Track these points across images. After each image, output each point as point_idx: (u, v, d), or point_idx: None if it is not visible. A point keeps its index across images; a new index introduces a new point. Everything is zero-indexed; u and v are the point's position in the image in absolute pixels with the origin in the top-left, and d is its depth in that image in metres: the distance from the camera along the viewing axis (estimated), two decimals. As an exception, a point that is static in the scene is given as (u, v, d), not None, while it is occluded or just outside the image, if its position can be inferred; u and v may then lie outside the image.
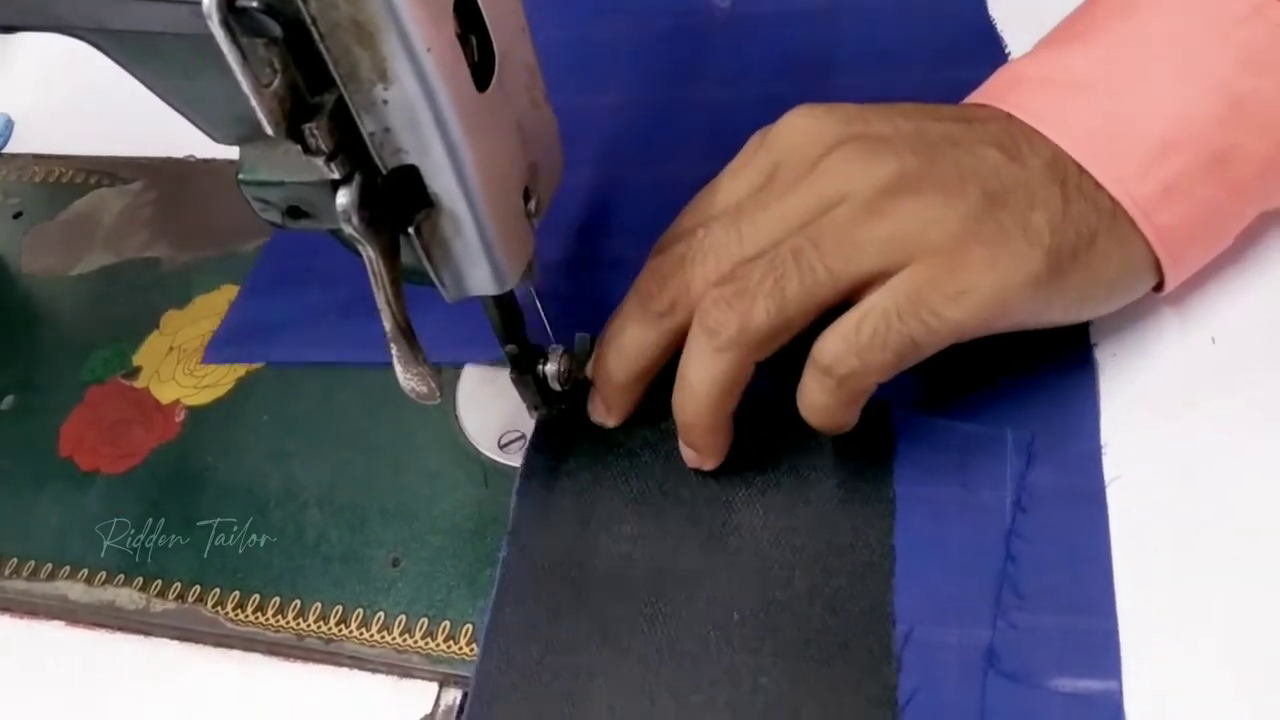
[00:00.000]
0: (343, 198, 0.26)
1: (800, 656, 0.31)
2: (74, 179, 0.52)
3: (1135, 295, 0.34)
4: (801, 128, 0.33)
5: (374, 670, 0.34)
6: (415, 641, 0.34)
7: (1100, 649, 0.30)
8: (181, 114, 0.28)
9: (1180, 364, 0.34)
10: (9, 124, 0.55)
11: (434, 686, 0.34)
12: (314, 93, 0.24)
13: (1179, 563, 0.31)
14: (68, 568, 0.38)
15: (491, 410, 0.39)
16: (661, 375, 0.34)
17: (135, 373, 0.43)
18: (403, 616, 0.35)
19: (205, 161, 0.50)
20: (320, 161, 0.25)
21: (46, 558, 0.39)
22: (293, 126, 0.24)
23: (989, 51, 0.44)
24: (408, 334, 0.28)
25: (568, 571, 0.34)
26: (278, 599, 0.36)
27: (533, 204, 0.30)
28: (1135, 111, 0.32)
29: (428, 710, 0.33)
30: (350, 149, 0.25)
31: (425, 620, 0.34)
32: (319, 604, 0.35)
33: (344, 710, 0.34)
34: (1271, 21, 0.31)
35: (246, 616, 0.36)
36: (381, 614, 0.35)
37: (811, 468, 0.34)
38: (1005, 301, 0.30)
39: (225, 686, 0.35)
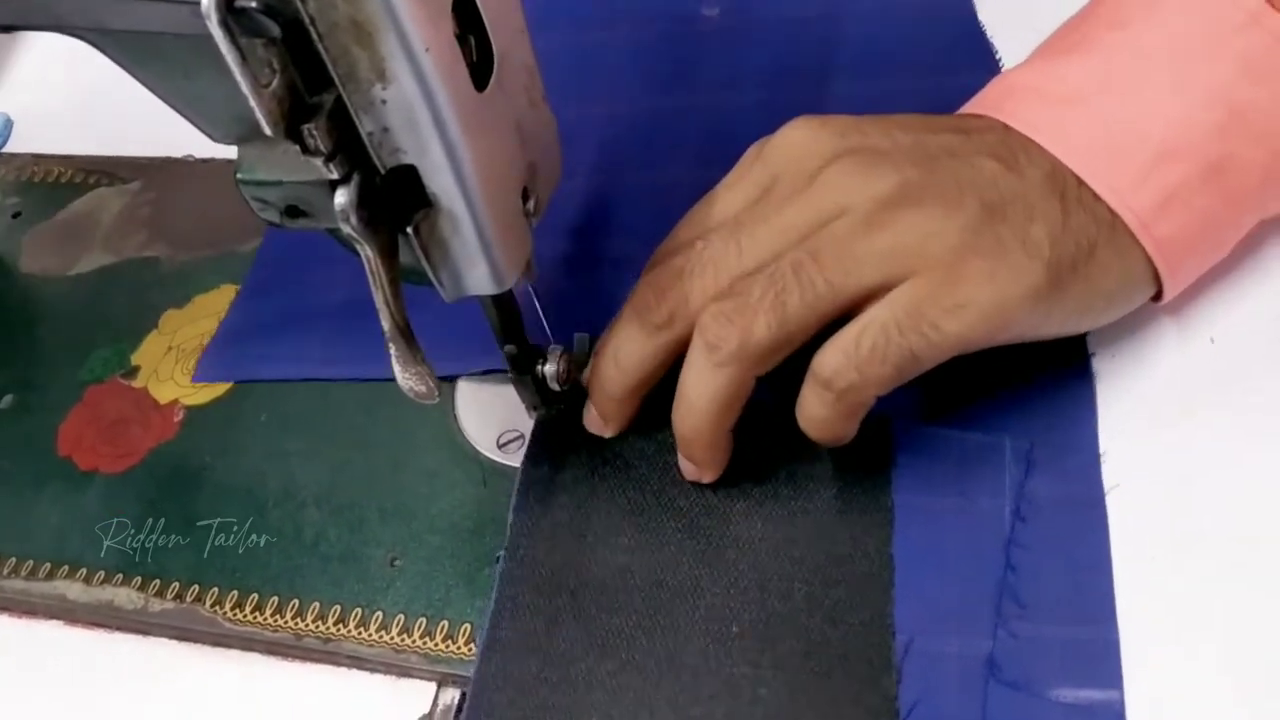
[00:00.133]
0: (341, 197, 0.26)
1: (800, 668, 0.31)
2: (73, 179, 0.52)
3: (1134, 305, 0.34)
4: (799, 140, 0.33)
5: (372, 670, 0.34)
6: (413, 641, 0.34)
7: (1101, 658, 0.29)
8: (180, 114, 0.28)
9: (1178, 372, 0.34)
10: (8, 124, 0.55)
11: (432, 686, 0.34)
12: (312, 93, 0.24)
13: (1179, 571, 0.31)
14: (66, 567, 0.38)
15: (490, 410, 0.39)
16: (660, 387, 0.34)
17: (134, 372, 0.43)
18: (401, 616, 0.35)
19: (204, 161, 0.50)
20: (319, 161, 0.25)
21: (45, 557, 0.39)
22: (291, 126, 0.24)
23: (979, 58, 0.44)
24: (406, 334, 0.28)
25: (565, 583, 0.33)
26: (276, 598, 0.36)
27: (531, 204, 0.30)
28: (1132, 122, 0.31)
29: (426, 710, 0.33)
30: (349, 149, 0.25)
31: (423, 620, 0.34)
32: (317, 603, 0.35)
33: (342, 710, 0.34)
34: (1269, 30, 0.31)
35: (245, 616, 0.36)
36: (380, 613, 0.35)
37: (810, 478, 0.34)
38: (1005, 314, 0.30)
39: (224, 686, 0.35)
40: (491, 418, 0.38)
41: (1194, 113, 0.31)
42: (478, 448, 0.38)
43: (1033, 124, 0.32)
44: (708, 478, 0.34)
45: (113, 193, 0.51)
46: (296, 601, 0.36)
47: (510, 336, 0.33)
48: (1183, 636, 0.30)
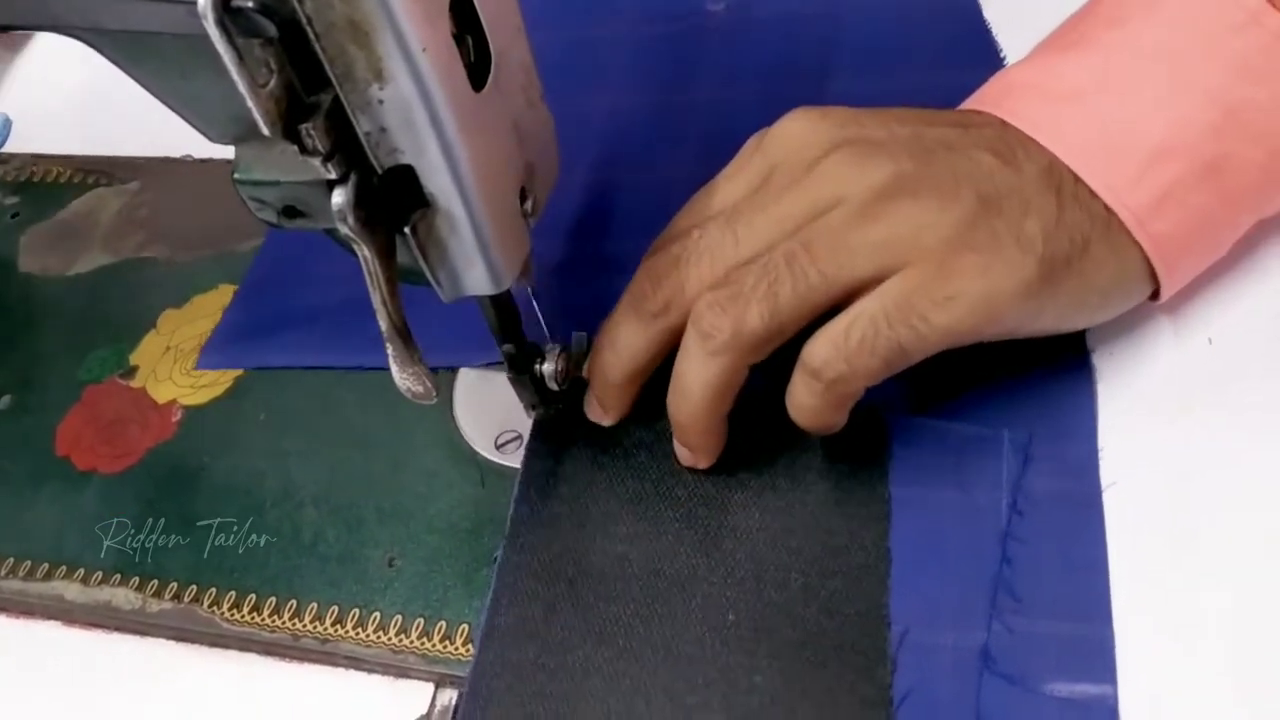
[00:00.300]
0: (338, 197, 0.26)
1: (795, 657, 0.31)
2: (71, 179, 0.52)
3: (1131, 304, 0.34)
4: (798, 131, 0.33)
5: (370, 670, 0.34)
6: (411, 641, 0.34)
7: (1096, 654, 0.30)
8: (178, 114, 0.28)
9: (1177, 368, 0.34)
10: (7, 123, 0.55)
11: (430, 687, 0.34)
12: (310, 92, 0.24)
13: (1175, 567, 0.31)
14: (64, 567, 0.38)
15: (488, 410, 0.39)
16: (660, 376, 0.34)
17: (132, 372, 0.43)
18: (399, 616, 0.35)
19: (203, 162, 0.50)
20: (316, 161, 0.25)
21: (43, 557, 0.39)
22: (289, 126, 0.24)
23: (984, 55, 0.44)
24: (404, 334, 0.28)
25: (564, 572, 0.34)
26: (274, 599, 0.36)
27: (529, 204, 0.30)
28: (1129, 120, 0.32)
29: (423, 710, 0.33)
30: (346, 149, 0.25)
31: (421, 620, 0.34)
32: (315, 604, 0.35)
33: (340, 710, 0.34)
34: (1268, 29, 0.31)
35: (243, 616, 0.36)
36: (378, 614, 0.35)
37: (807, 470, 0.34)
38: (995, 308, 0.30)
39: (222, 686, 0.35)
40: (490, 418, 0.38)
41: (1191, 112, 0.31)
42: (476, 448, 0.38)
43: (1031, 121, 0.32)
44: (703, 464, 0.34)
45: (111, 193, 0.51)
46: (294, 602, 0.36)
47: (508, 336, 0.33)
48: (1178, 633, 0.30)
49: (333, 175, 0.25)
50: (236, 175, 0.27)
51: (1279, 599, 0.30)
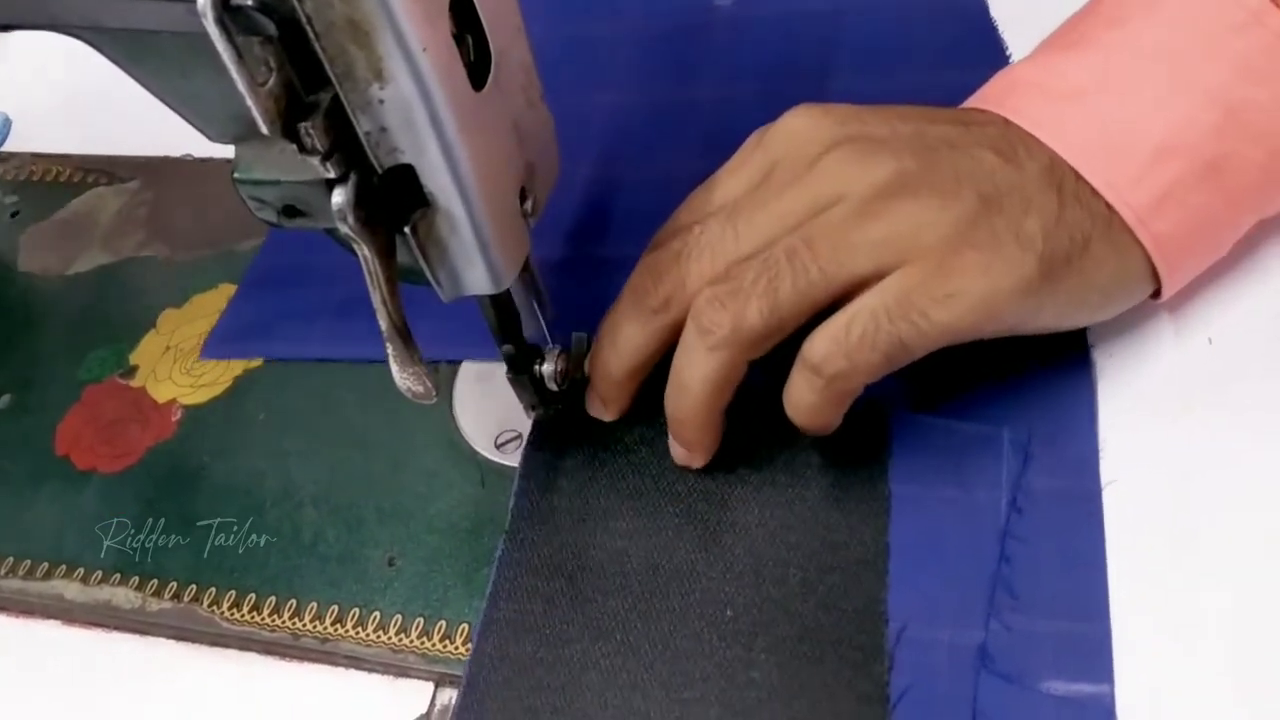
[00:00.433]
0: (338, 197, 0.26)
1: (793, 653, 0.31)
2: (71, 178, 0.52)
3: (1132, 302, 0.34)
4: (799, 128, 0.33)
5: (370, 670, 0.34)
6: (411, 641, 0.34)
7: (1093, 652, 0.30)
8: (177, 112, 0.28)
9: (1177, 367, 0.34)
10: (7, 123, 0.55)
11: (430, 686, 0.34)
12: (309, 91, 0.24)
13: (1174, 566, 0.31)
14: (64, 567, 0.38)
15: (488, 410, 0.39)
16: (660, 372, 0.34)
17: (132, 372, 0.43)
18: (399, 616, 0.35)
19: (202, 161, 0.50)
20: (316, 160, 0.25)
21: (43, 557, 0.39)
22: (288, 125, 0.24)
23: (990, 53, 0.44)
24: (404, 333, 0.28)
25: (563, 566, 0.34)
26: (274, 598, 0.36)
27: (529, 203, 0.30)
28: (1130, 119, 0.32)
29: (423, 710, 0.33)
30: (346, 148, 0.25)
31: (421, 620, 0.34)
32: (315, 603, 0.35)
33: (340, 709, 0.34)
34: (1270, 29, 0.31)
35: (243, 616, 0.36)
36: (378, 613, 0.35)
37: (807, 466, 0.34)
38: (995, 306, 0.30)
39: (222, 686, 0.35)
40: (489, 418, 0.38)
41: (1193, 111, 0.31)
42: (476, 448, 0.38)
43: (1033, 119, 0.32)
44: (697, 462, 0.34)
45: (111, 192, 0.51)
46: (294, 601, 0.36)
47: (508, 336, 0.33)
48: (1176, 632, 0.30)
49: (332, 174, 0.25)
50: (236, 174, 0.27)
51: (1279, 599, 0.30)
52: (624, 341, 0.33)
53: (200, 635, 0.36)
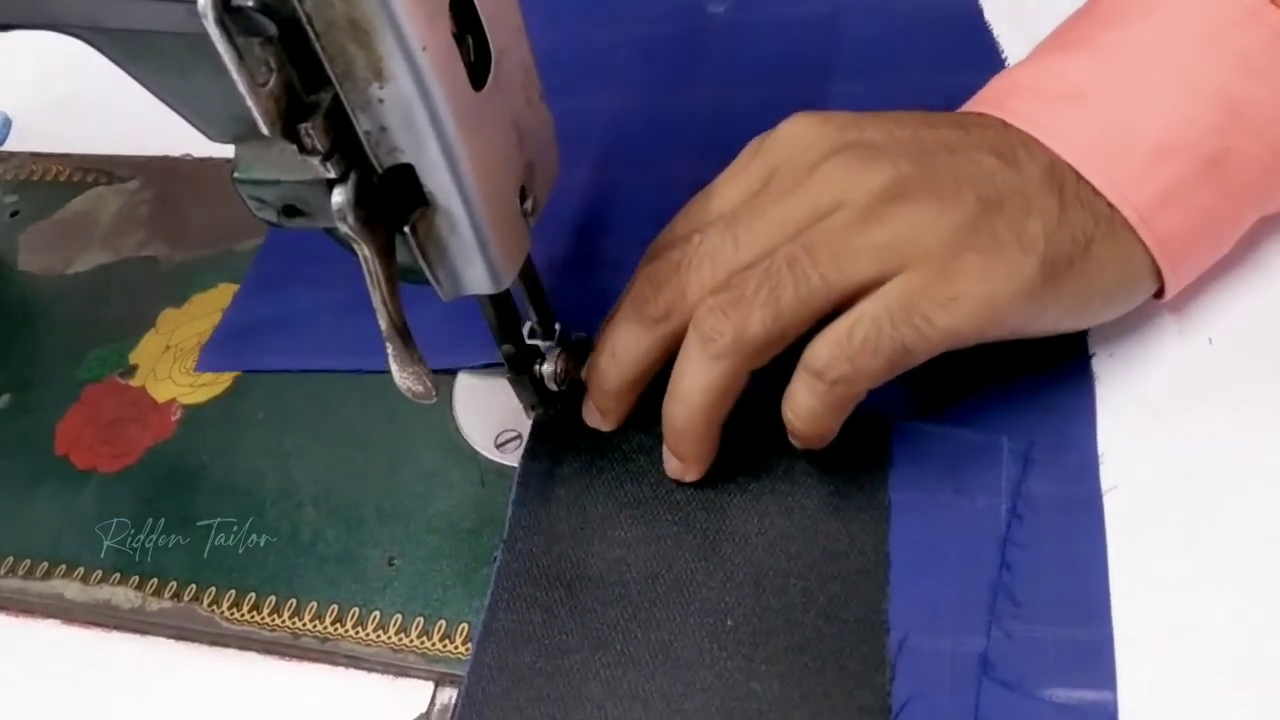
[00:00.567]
0: (338, 196, 0.25)
1: (794, 663, 0.31)
2: (71, 177, 0.52)
3: (1135, 303, 0.33)
4: (798, 134, 0.33)
5: (370, 669, 0.34)
6: (411, 641, 0.34)
7: (1095, 659, 0.29)
8: (177, 112, 0.28)
9: (1177, 373, 0.34)
10: (7, 122, 0.55)
11: (429, 686, 0.34)
12: (309, 91, 0.24)
13: (1176, 572, 0.31)
14: (63, 566, 0.38)
15: (488, 410, 0.39)
16: (661, 379, 0.34)
17: (132, 371, 0.43)
18: (398, 616, 0.34)
19: (202, 160, 0.50)
20: (316, 160, 0.25)
21: (42, 556, 0.39)
22: (288, 125, 0.24)
23: (985, 58, 0.44)
24: (403, 333, 0.28)
25: (562, 576, 0.34)
26: (273, 598, 0.36)
27: (529, 203, 0.30)
28: (1131, 118, 0.32)
29: (423, 709, 0.33)
30: (346, 148, 0.25)
31: (421, 619, 0.34)
32: (315, 603, 0.35)
33: (340, 709, 0.34)
34: (1268, 26, 0.31)
35: (242, 615, 0.36)
36: (377, 613, 0.35)
37: (807, 474, 0.34)
38: (997, 309, 0.30)
39: (221, 685, 0.35)
40: (489, 418, 0.38)
41: (1193, 109, 0.31)
42: (476, 448, 0.38)
43: (1033, 121, 0.32)
44: (690, 475, 0.34)
45: (111, 191, 0.51)
46: (294, 601, 0.36)
47: (508, 336, 0.33)
48: (1178, 638, 0.30)
49: (332, 174, 0.25)
50: (236, 174, 0.27)
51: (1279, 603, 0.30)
52: (623, 351, 0.33)
53: (200, 635, 0.36)
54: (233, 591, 0.36)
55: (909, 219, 0.30)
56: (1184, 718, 0.29)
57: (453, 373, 0.40)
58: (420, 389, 0.30)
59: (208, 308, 0.45)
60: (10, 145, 0.54)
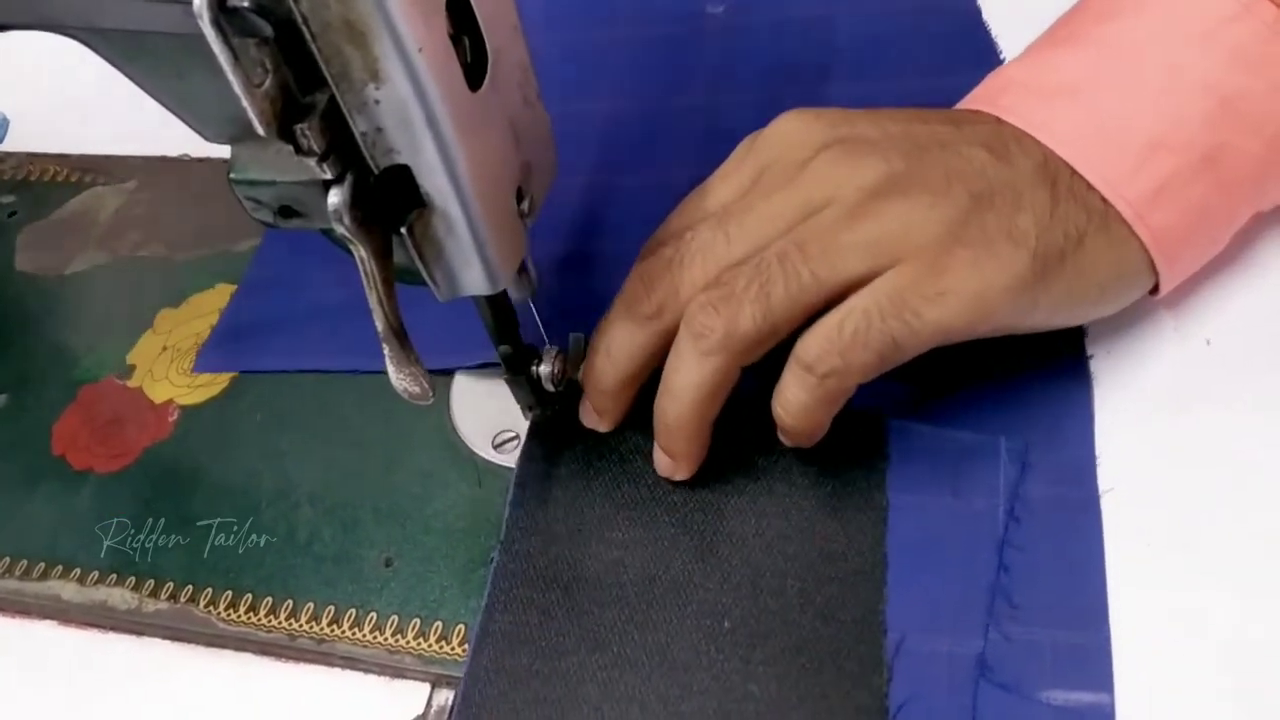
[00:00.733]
0: (334, 198, 0.25)
1: (791, 664, 0.31)
2: (69, 178, 0.52)
3: (1131, 298, 0.33)
4: (790, 131, 0.33)
5: (366, 670, 0.34)
6: (407, 642, 0.34)
7: (1092, 661, 0.29)
8: (174, 113, 0.27)
9: (1175, 374, 0.34)
10: (4, 122, 0.55)
11: (426, 687, 0.34)
12: (305, 92, 0.24)
13: (1173, 574, 0.31)
14: (60, 567, 0.38)
15: (485, 410, 0.39)
16: (655, 381, 0.33)
17: (129, 372, 0.43)
18: (395, 617, 0.34)
19: (200, 161, 0.50)
20: (312, 161, 0.25)
21: (39, 557, 0.39)
22: (284, 126, 0.24)
23: (984, 58, 0.44)
24: (400, 334, 0.28)
25: (559, 577, 0.34)
26: (270, 599, 0.36)
27: (526, 203, 0.30)
28: (1124, 113, 0.32)
29: (420, 710, 0.33)
30: (342, 149, 0.25)
31: (418, 621, 0.34)
32: (311, 604, 0.35)
33: (336, 710, 0.34)
34: (1262, 20, 0.31)
35: (239, 616, 0.36)
36: (374, 614, 0.35)
37: (804, 475, 0.34)
38: (987, 303, 0.30)
39: (218, 687, 0.35)
40: (486, 418, 0.38)
41: (1187, 104, 0.31)
42: (473, 448, 0.38)
43: (1026, 117, 0.32)
44: (680, 474, 0.34)
45: (108, 192, 0.51)
46: (291, 602, 0.35)
47: (505, 337, 0.33)
48: (1176, 640, 0.30)
49: (328, 175, 0.25)
50: (232, 175, 0.27)
51: (1278, 604, 0.30)
52: (618, 350, 0.33)
53: (196, 636, 0.36)
54: (229, 592, 0.36)
55: (899, 214, 0.30)
56: (1181, 718, 0.29)
57: (450, 373, 0.40)
58: (417, 390, 0.30)
59: (205, 308, 0.45)
60: (8, 145, 0.54)
